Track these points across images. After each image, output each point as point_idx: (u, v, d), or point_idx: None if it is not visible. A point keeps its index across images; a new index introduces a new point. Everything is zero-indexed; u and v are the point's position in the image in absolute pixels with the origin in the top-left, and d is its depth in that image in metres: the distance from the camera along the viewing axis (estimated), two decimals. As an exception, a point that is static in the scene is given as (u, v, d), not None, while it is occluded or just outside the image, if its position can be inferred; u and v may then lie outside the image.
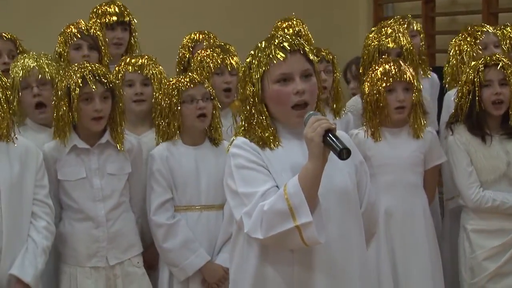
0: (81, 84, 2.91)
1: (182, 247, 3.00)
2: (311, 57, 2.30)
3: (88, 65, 3.01)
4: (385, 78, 3.22)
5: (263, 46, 2.29)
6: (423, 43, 4.18)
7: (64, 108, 2.93)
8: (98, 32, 3.60)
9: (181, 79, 3.11)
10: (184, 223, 3.04)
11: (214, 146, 3.11)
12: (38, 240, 2.84)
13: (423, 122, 3.29)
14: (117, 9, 3.86)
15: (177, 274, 3.03)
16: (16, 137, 2.86)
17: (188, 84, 3.08)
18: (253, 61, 2.29)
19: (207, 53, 3.46)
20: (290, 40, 2.28)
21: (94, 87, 2.90)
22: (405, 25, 4.00)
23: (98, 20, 3.80)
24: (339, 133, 2.17)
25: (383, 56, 3.51)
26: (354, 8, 6.59)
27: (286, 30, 4.07)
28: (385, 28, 3.67)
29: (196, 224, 3.06)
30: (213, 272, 3.00)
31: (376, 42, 3.61)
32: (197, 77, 3.13)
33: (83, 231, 2.97)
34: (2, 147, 2.82)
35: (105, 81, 2.94)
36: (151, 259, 3.22)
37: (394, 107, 3.21)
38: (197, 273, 3.02)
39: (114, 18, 3.83)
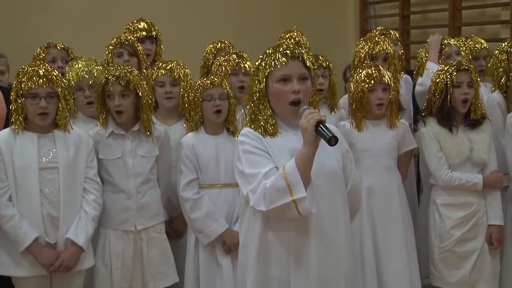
0: (103, 83, 2.97)
1: (206, 217, 3.02)
2: (308, 64, 2.32)
3: (114, 68, 3.04)
4: (367, 80, 3.21)
5: (270, 52, 2.32)
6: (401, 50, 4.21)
7: (98, 101, 3.01)
8: (137, 43, 3.64)
9: (204, 80, 3.14)
10: (207, 198, 3.06)
11: (231, 135, 3.12)
12: (88, 211, 2.88)
13: (398, 116, 3.30)
14: (145, 26, 3.89)
15: (202, 239, 3.05)
16: (71, 127, 2.90)
17: (209, 85, 3.10)
18: (261, 63, 2.32)
19: (225, 58, 3.49)
20: (292, 48, 2.31)
21: (111, 87, 2.95)
22: (389, 35, 4.00)
23: (130, 35, 3.82)
24: (329, 125, 2.19)
25: (366, 62, 3.51)
26: (343, 22, 6.54)
27: (288, 40, 4.04)
28: (375, 38, 3.67)
29: (217, 199, 3.08)
30: (232, 237, 3.00)
31: (367, 48, 3.59)
32: (217, 80, 3.13)
33: (117, 201, 3.00)
34: (61, 135, 2.86)
35: (122, 82, 2.94)
36: (179, 227, 3.26)
37: (375, 104, 3.22)
38: (218, 237, 3.04)
39: (144, 33, 3.86)
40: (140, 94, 2.99)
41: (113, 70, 3.00)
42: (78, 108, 3.22)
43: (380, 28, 4.28)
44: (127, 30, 3.93)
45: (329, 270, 2.28)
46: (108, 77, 2.96)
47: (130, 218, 3.01)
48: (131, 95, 2.98)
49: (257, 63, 2.35)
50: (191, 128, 3.16)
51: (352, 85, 3.28)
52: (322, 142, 2.15)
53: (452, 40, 3.84)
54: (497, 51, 3.63)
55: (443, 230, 3.27)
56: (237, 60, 3.45)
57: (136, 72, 3.06)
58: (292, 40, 4.06)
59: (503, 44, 3.63)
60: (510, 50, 3.57)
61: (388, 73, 3.28)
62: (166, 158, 3.15)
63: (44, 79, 2.79)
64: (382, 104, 3.22)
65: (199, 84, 3.13)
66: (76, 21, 5.29)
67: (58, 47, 3.69)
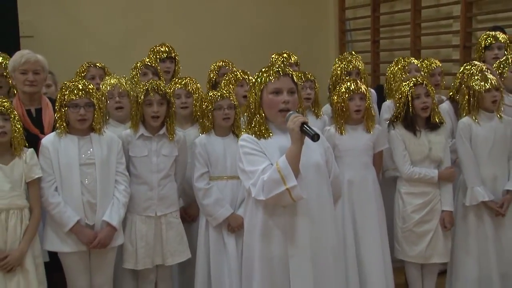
0: (144, 93, 2.94)
1: (215, 203, 2.99)
2: (296, 81, 2.33)
3: (152, 81, 3.04)
4: (347, 91, 3.20)
5: (265, 70, 2.33)
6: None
7: (136, 109, 2.97)
8: (157, 65, 3.65)
9: (215, 93, 3.10)
10: (216, 188, 3.02)
11: (236, 137, 3.08)
12: (120, 198, 2.86)
13: (373, 121, 3.28)
14: (166, 49, 3.91)
15: (212, 222, 3.02)
16: (105, 131, 2.88)
17: (219, 97, 3.07)
18: (257, 79, 2.32)
19: (232, 74, 3.51)
20: (283, 67, 2.33)
21: (152, 96, 2.92)
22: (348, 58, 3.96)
23: (154, 56, 3.84)
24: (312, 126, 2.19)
25: (343, 77, 3.55)
26: (326, 45, 6.63)
27: (284, 61, 4.00)
28: (348, 58, 3.71)
29: (224, 188, 3.03)
30: (236, 220, 2.98)
31: (344, 66, 3.64)
32: (225, 93, 3.10)
33: (141, 191, 2.96)
34: (96, 137, 2.85)
35: (161, 92, 2.95)
36: (193, 212, 3.23)
37: (353, 110, 3.20)
38: (224, 220, 3.00)
39: (165, 54, 3.88)
40: (171, 104, 2.98)
41: (153, 83, 2.99)
42: (109, 114, 3.20)
43: (345, 53, 4.36)
44: (151, 52, 3.93)
45: (319, 245, 2.28)
46: (148, 88, 2.94)
47: (151, 206, 2.97)
48: (165, 104, 2.95)
49: (253, 79, 2.35)
50: (203, 132, 3.12)
51: (335, 96, 3.27)
52: (308, 141, 2.13)
53: (413, 58, 3.89)
54: (458, 71, 3.64)
55: (405, 214, 3.26)
56: (242, 74, 3.49)
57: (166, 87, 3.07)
58: (287, 62, 4.02)
59: (463, 67, 3.62)
60: (464, 71, 3.57)
61: (364, 86, 3.26)
62: (183, 158, 3.12)
63: (83, 92, 2.78)
64: (359, 110, 3.20)
65: (211, 96, 3.10)
66: (111, 45, 5.41)
67: (97, 66, 3.66)
